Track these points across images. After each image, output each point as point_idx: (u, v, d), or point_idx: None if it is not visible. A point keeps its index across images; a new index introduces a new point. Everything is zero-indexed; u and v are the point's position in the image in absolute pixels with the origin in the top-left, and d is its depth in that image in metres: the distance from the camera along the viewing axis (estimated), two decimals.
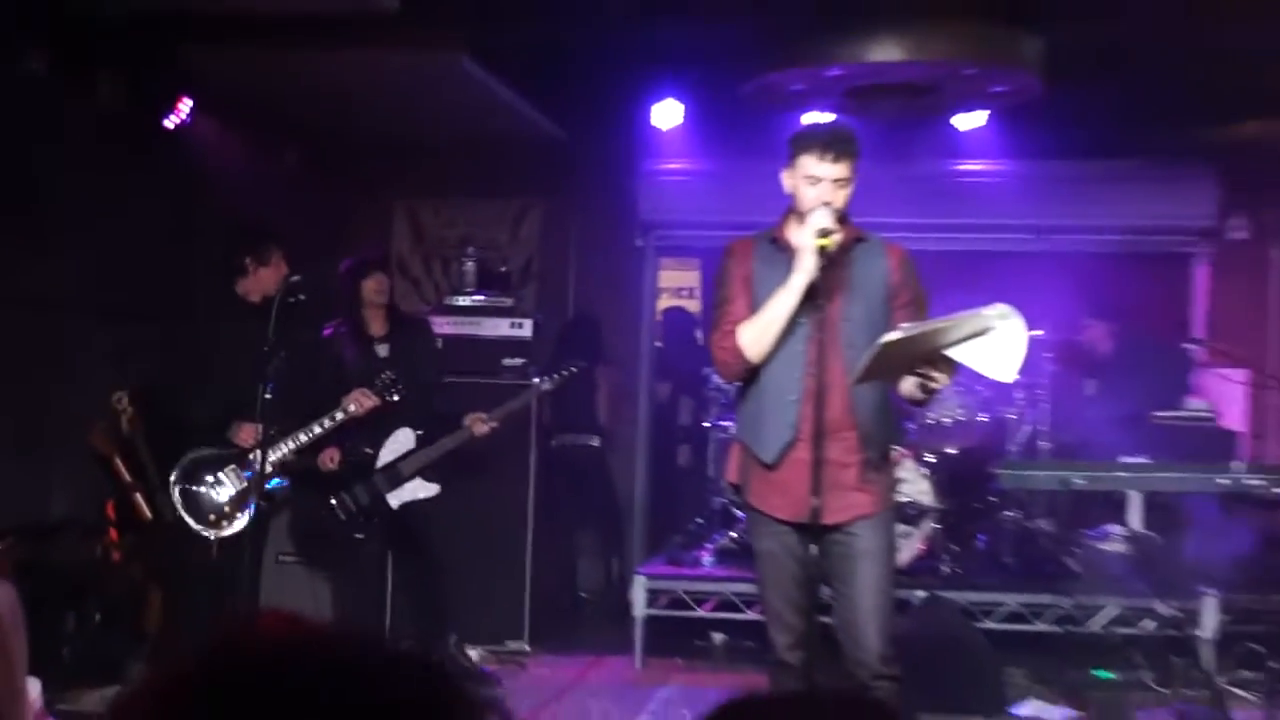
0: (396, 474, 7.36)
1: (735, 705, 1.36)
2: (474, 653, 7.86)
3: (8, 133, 6.70)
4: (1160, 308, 10.28)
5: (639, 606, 8.12)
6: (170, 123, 7.78)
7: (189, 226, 7.58)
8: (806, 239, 4.73)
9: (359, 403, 6.96)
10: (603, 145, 9.65)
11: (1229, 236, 9.84)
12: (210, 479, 6.87)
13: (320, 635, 1.07)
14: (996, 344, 4.56)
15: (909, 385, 4.79)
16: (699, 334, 11.05)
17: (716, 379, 8.55)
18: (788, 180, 4.91)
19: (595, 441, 9.73)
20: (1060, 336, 9.17)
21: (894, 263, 5.02)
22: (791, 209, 4.94)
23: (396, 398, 7.09)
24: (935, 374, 4.64)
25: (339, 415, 6.97)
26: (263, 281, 7.03)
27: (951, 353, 4.60)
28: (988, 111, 8.50)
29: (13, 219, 6.78)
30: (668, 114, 8.83)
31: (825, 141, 4.84)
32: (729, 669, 8.06)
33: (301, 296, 6.70)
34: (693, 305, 12.09)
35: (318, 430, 6.97)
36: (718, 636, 8.46)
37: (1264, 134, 9.04)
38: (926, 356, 4.62)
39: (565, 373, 7.91)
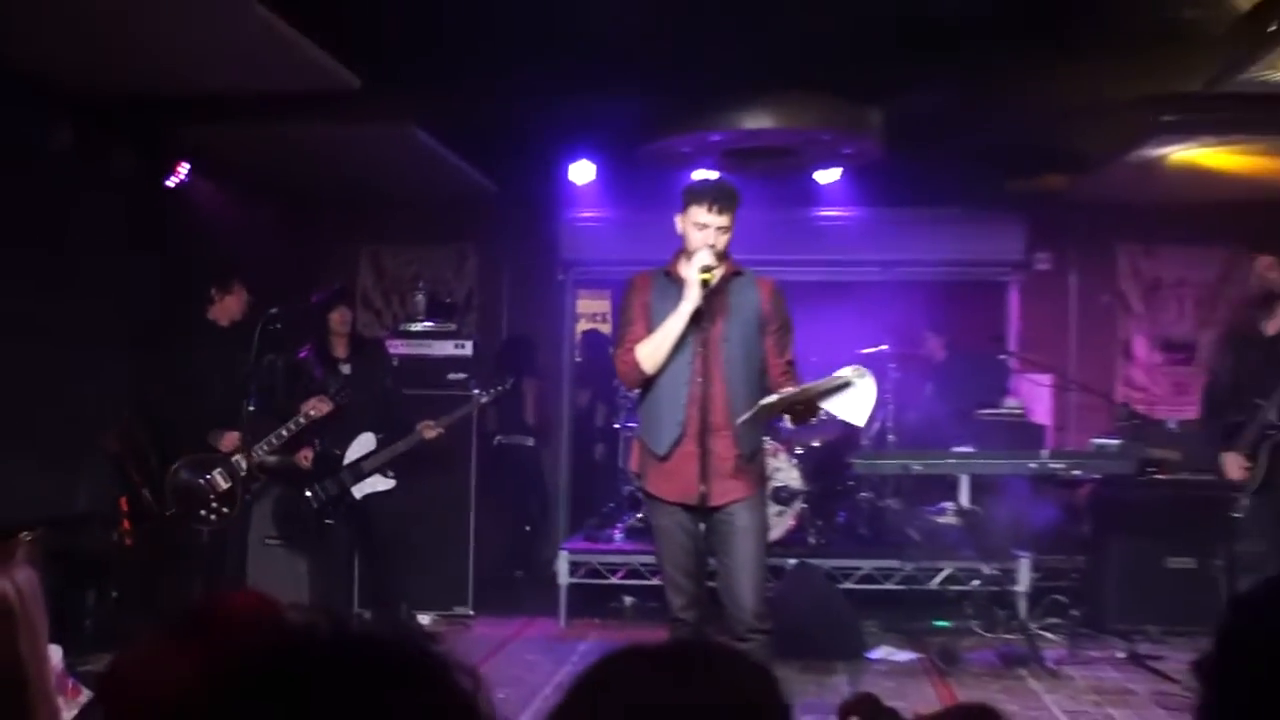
0: (359, 470, 7.36)
1: (619, 654, 1.34)
2: (425, 617, 7.83)
3: (41, 196, 6.67)
4: (982, 325, 10.35)
5: (563, 576, 8.11)
6: (171, 183, 7.70)
7: (188, 269, 7.45)
8: (693, 274, 4.76)
9: (317, 408, 6.97)
10: (529, 198, 9.62)
11: (1035, 268, 9.93)
12: (201, 479, 6.79)
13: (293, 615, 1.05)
14: (853, 397, 4.77)
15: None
16: (610, 351, 11.04)
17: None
18: (680, 224, 4.92)
19: (530, 441, 9.74)
20: (902, 349, 9.24)
21: (765, 294, 5.03)
22: (682, 248, 4.94)
23: (345, 401, 7.10)
24: (807, 415, 4.96)
25: (301, 419, 6.96)
26: (228, 308, 7.04)
27: (818, 403, 4.83)
28: (840, 169, 8.56)
29: (44, 266, 6.71)
30: (582, 172, 8.82)
31: (712, 196, 4.86)
32: (637, 626, 8.07)
33: (279, 325, 6.73)
34: (605, 328, 12.06)
35: (284, 434, 6.96)
36: (628, 599, 8.49)
37: (1062, 185, 9.16)
38: (799, 405, 4.81)
39: (499, 389, 7.98)
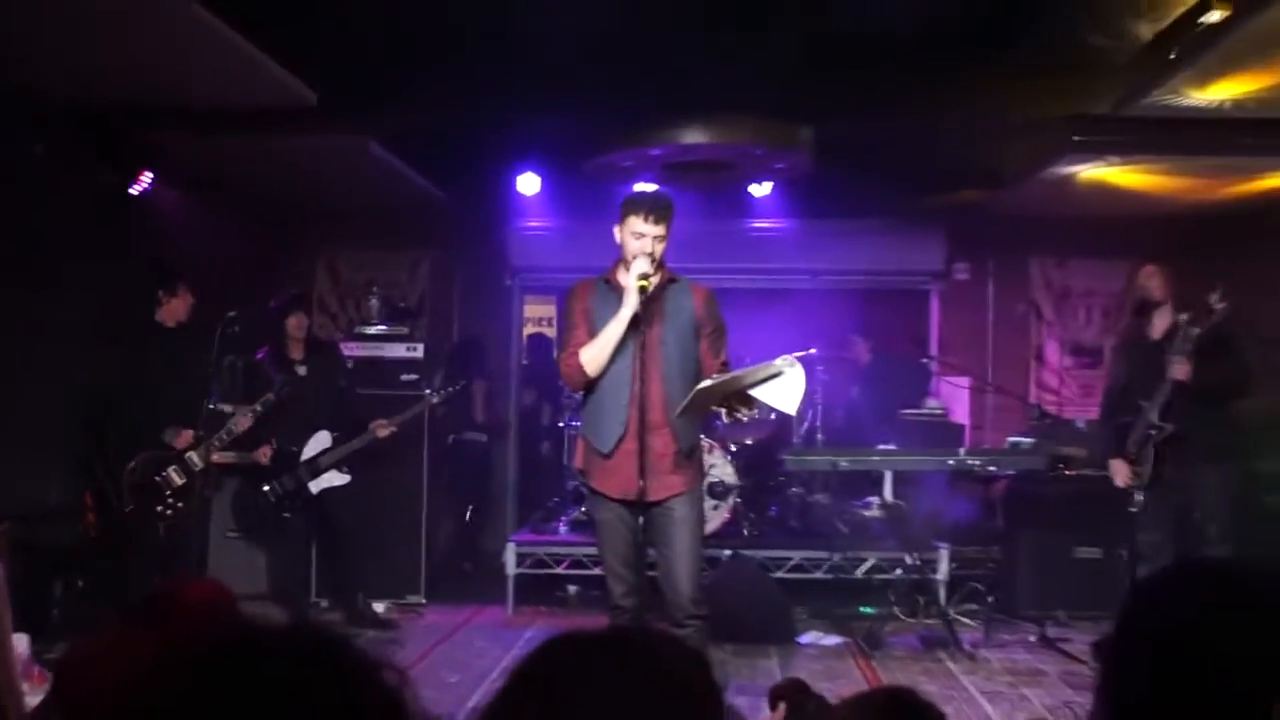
0: (316, 466, 7.35)
1: (560, 640, 1.35)
2: (380, 605, 7.78)
3: (19, 203, 6.58)
4: (905, 331, 10.44)
5: (510, 566, 8.07)
6: (135, 190, 7.59)
7: (148, 272, 7.36)
8: (631, 281, 4.76)
9: (238, 423, 6.90)
10: (479, 208, 9.57)
11: (954, 277, 10.01)
12: (157, 475, 6.71)
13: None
14: (783, 386, 4.69)
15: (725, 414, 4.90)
16: (555, 355, 11.02)
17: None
18: (618, 234, 4.91)
19: (483, 438, 9.72)
20: (830, 352, 9.30)
21: (699, 300, 5.04)
22: (620, 257, 4.93)
23: (285, 396, 7.02)
24: (741, 407, 4.77)
25: (232, 430, 6.89)
26: (174, 310, 6.96)
27: (751, 392, 4.74)
28: (772, 182, 8.59)
29: (21, 269, 6.59)
30: (529, 184, 8.77)
31: (649, 206, 4.85)
32: (580, 613, 8.04)
33: (237, 328, 6.68)
34: (550, 332, 12.05)
35: (225, 436, 6.88)
36: (571, 588, 8.45)
37: (978, 200, 9.25)
38: (733, 395, 4.74)
39: (450, 389, 7.99)
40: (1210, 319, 6.37)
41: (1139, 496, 6.54)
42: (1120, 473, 6.60)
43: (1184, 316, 6.43)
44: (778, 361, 4.69)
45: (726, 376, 4.75)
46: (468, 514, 9.70)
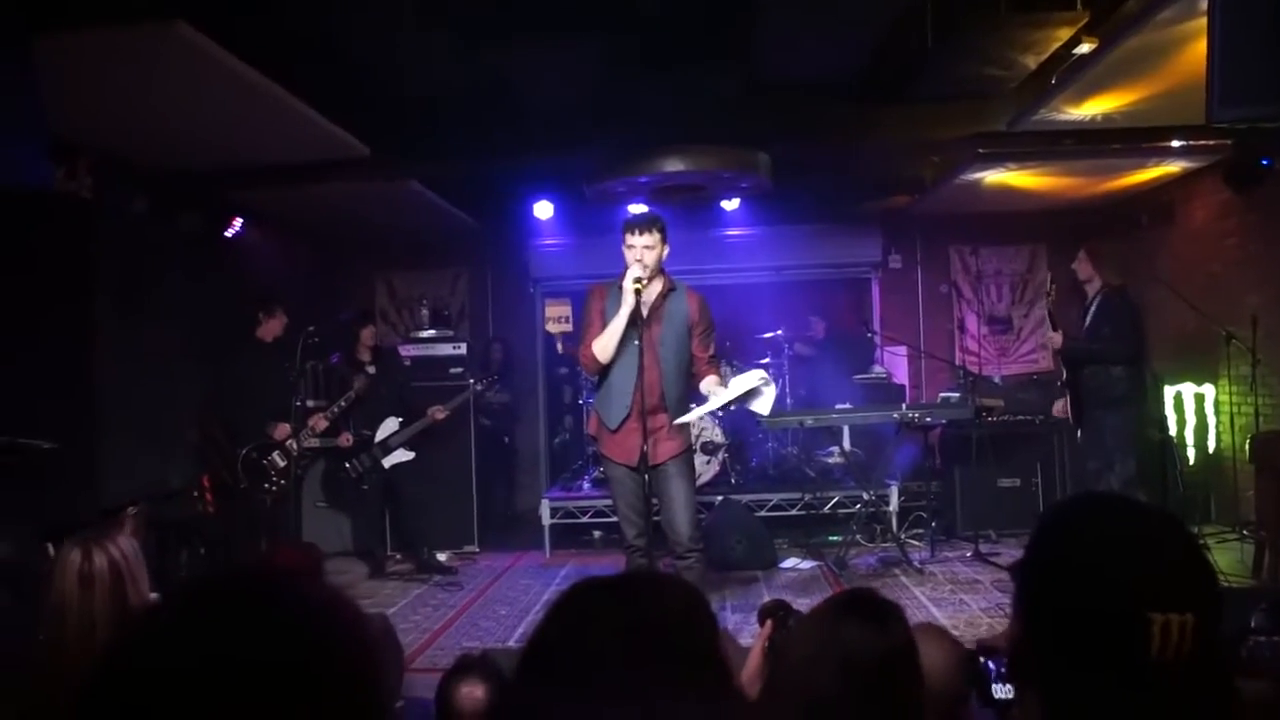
0: (387, 446, 7.36)
1: (584, 583, 1.36)
2: (443, 555, 7.80)
3: (126, 251, 6.57)
4: (853, 311, 10.46)
5: (546, 518, 8.09)
6: (228, 234, 7.61)
7: (243, 299, 7.36)
8: (627, 284, 4.77)
9: (316, 423, 6.94)
10: (505, 231, 9.59)
11: (890, 266, 10.01)
12: (264, 459, 6.75)
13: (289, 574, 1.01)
14: (760, 397, 4.74)
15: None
16: (571, 349, 10.95)
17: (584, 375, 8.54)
18: (624, 249, 4.91)
19: (488, 421, 9.77)
20: (794, 332, 9.32)
21: (693, 305, 5.01)
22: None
23: (364, 394, 7.10)
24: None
25: (313, 429, 6.96)
26: (271, 328, 6.99)
27: (733, 406, 4.94)
28: (739, 198, 8.58)
29: (134, 305, 6.60)
30: (544, 210, 8.78)
31: (634, 223, 4.84)
32: (603, 553, 8.06)
33: (316, 339, 6.69)
34: (568, 327, 12.00)
35: (304, 435, 6.92)
36: (596, 533, 8.47)
37: (906, 203, 9.24)
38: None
39: (487, 380, 7.99)
40: (1095, 294, 6.42)
41: (1080, 432, 6.60)
42: (1057, 408, 6.77)
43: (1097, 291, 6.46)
44: (755, 380, 4.71)
45: (715, 401, 4.82)
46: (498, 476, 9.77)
